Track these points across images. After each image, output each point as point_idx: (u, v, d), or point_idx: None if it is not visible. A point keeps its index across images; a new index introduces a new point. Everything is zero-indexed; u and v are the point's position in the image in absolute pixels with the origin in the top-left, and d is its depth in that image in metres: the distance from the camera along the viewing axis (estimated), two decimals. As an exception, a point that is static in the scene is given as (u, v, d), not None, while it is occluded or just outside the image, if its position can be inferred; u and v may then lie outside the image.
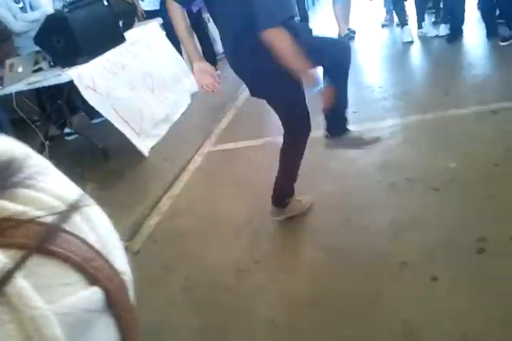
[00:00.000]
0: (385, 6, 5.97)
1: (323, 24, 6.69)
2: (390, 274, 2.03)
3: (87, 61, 3.67)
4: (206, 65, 2.20)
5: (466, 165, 2.63)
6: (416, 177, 2.65)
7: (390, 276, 2.02)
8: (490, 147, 2.76)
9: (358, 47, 5.47)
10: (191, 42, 2.20)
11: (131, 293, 0.30)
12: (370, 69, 4.68)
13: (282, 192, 2.46)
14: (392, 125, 3.37)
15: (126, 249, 2.62)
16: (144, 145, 3.82)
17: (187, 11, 5.58)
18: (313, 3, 8.43)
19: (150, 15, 5.26)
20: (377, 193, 2.62)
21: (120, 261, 0.29)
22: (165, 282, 2.31)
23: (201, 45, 5.63)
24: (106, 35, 3.90)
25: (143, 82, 4.13)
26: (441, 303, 1.82)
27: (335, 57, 2.33)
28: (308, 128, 2.35)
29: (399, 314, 1.81)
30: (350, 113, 3.73)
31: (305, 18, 5.84)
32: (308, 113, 2.31)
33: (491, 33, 4.59)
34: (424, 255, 2.08)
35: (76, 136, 4.35)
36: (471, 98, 3.45)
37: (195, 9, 5.24)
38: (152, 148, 3.88)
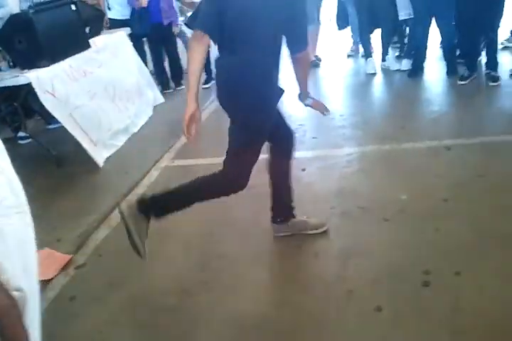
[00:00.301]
0: (352, 36, 6.13)
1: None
2: (335, 301, 2.03)
3: (49, 65, 3.59)
4: (198, 113, 2.04)
5: (416, 198, 2.70)
6: (368, 206, 2.70)
7: (336, 303, 2.02)
8: (440, 182, 2.85)
9: (322, 74, 5.58)
10: (198, 82, 2.00)
11: (29, 307, 0.29)
12: (333, 97, 4.77)
13: (161, 204, 2.22)
14: (350, 153, 3.44)
15: (71, 261, 2.54)
16: (100, 155, 3.74)
17: (157, 24, 5.58)
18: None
19: (117, 24, 5.22)
20: (329, 219, 2.64)
21: (18, 277, 0.27)
22: (107, 299, 2.23)
23: (168, 58, 5.63)
24: (71, 40, 3.84)
25: (104, 90, 4.07)
26: (383, 334, 1.83)
27: (282, 138, 2.36)
28: (244, 180, 2.11)
29: (341, 343, 1.81)
30: (309, 138, 3.81)
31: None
32: (252, 166, 2.12)
33: (451, 71, 4.78)
34: (371, 284, 2.10)
35: (30, 140, 4.22)
36: (426, 133, 3.56)
37: (166, 22, 5.26)
38: (108, 158, 3.81)
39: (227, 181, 2.15)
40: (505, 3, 4.39)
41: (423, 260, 2.19)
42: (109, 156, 3.83)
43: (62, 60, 3.73)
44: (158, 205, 2.22)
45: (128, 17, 5.21)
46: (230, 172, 2.12)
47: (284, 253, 2.43)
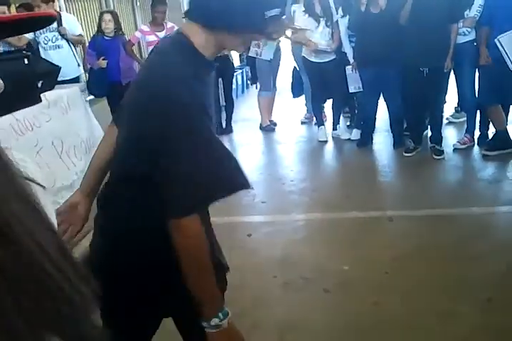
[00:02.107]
0: (306, 104, 6.35)
1: (247, 112, 6.97)
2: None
3: (-6, 117, 3.53)
4: (84, 204, 1.46)
5: (357, 270, 2.70)
6: (310, 277, 2.68)
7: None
8: (382, 253, 2.87)
9: (277, 139, 5.71)
10: (95, 170, 1.47)
11: None
12: (284, 162, 4.85)
13: None
14: (297, 220, 3.45)
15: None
16: (41, 212, 3.61)
17: (116, 83, 5.56)
18: (243, 92, 8.83)
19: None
20: (271, 290, 2.60)
21: None
22: None
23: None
24: (20, 93, 3.79)
25: (51, 145, 4.00)
26: None
27: None
28: None
29: None
30: (258, 202, 3.82)
31: (231, 105, 6.07)
32: None
33: (397, 143, 4.96)
34: (307, 361, 2.04)
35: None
36: (370, 202, 3.63)
37: (124, 82, 5.31)
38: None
39: None
40: (449, 81, 4.69)
41: (360, 337, 2.16)
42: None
43: (9, 113, 3.67)
44: None
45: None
46: None
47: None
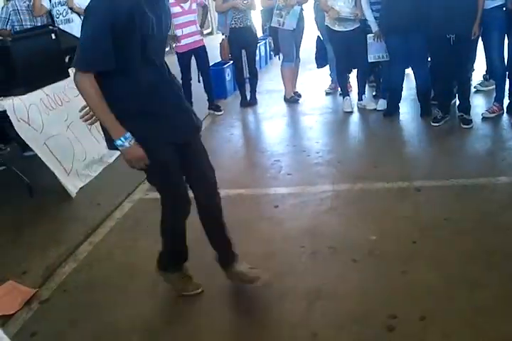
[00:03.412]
0: (330, 74, 6.28)
1: (271, 83, 6.93)
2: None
3: (24, 93, 3.59)
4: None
5: (385, 240, 2.73)
6: (338, 247, 2.71)
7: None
8: (410, 224, 2.89)
9: (301, 110, 5.69)
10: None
11: None
12: (310, 134, 4.84)
13: (161, 256, 2.37)
14: (323, 191, 3.47)
15: (35, 296, 2.48)
16: (73, 185, 3.71)
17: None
18: (266, 63, 8.74)
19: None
20: (299, 259, 2.65)
21: None
22: (69, 336, 2.19)
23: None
24: (49, 68, 3.85)
25: (80, 120, 4.06)
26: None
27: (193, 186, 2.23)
28: (182, 203, 2.19)
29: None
30: (284, 175, 3.85)
31: (255, 77, 6.04)
32: (181, 187, 2.17)
33: (425, 113, 4.90)
34: (336, 328, 2.10)
35: (4, 167, 4.17)
36: (398, 173, 3.62)
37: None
38: (81, 188, 3.78)
39: (170, 208, 2.22)
40: (477, 48, 4.58)
41: (389, 304, 2.20)
42: (83, 186, 3.81)
43: (39, 88, 3.73)
44: (162, 257, 2.37)
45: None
46: (165, 202, 2.21)
47: (250, 291, 2.42)
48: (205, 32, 6.37)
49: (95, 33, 1.81)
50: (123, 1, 1.80)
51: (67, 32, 4.63)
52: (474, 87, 5.48)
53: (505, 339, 1.95)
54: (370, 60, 5.04)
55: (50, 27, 4.18)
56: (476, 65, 5.36)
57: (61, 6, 5.06)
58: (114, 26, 1.80)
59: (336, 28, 5.09)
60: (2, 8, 5.19)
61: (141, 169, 2.03)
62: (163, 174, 2.09)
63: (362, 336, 2.04)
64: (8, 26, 5.07)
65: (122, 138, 1.89)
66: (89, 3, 1.86)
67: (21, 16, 5.11)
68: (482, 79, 5.57)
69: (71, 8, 5.03)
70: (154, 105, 1.98)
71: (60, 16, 5.05)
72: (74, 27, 4.88)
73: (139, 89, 1.95)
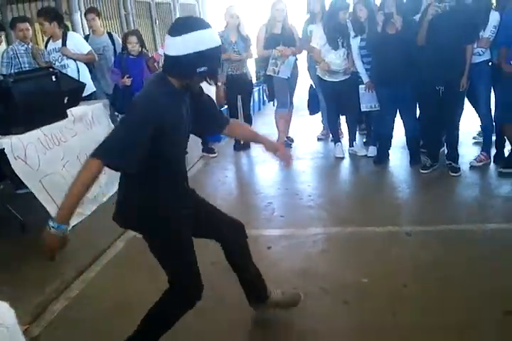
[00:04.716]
0: (322, 121, 6.46)
1: (265, 128, 7.08)
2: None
3: (23, 132, 3.66)
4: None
5: (376, 282, 2.76)
6: (330, 288, 2.74)
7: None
8: (400, 267, 2.93)
9: (294, 154, 5.79)
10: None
11: None
12: (302, 178, 4.93)
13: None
14: (315, 233, 3.52)
15: (25, 333, 2.45)
16: (66, 224, 3.72)
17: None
18: (259, 109, 8.97)
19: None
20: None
21: None
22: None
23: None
24: (48, 109, 3.95)
25: (76, 160, 4.14)
26: None
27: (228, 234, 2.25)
28: (195, 289, 2.07)
29: None
30: (277, 216, 3.91)
31: (249, 121, 6.19)
32: (193, 268, 2.07)
33: (414, 160, 5.03)
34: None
35: (-4, 204, 4.18)
36: (388, 218, 3.69)
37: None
38: (74, 226, 3.78)
39: (181, 297, 2.08)
40: (464, 100, 4.76)
41: (380, 345, 2.21)
42: (76, 225, 3.81)
43: (38, 128, 3.82)
44: None
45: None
46: (177, 287, 2.07)
47: (243, 332, 2.42)
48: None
49: (130, 135, 1.78)
50: (169, 108, 1.85)
51: (67, 74, 4.78)
52: (473, 138, 5.66)
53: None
54: (362, 110, 5.23)
55: (51, 69, 4.31)
56: (472, 118, 5.54)
57: (56, 52, 5.17)
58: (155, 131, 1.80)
59: (327, 78, 5.31)
60: (3, 53, 5.32)
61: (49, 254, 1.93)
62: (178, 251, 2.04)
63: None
64: (13, 70, 5.17)
65: (56, 224, 1.80)
66: (136, 98, 1.89)
67: (20, 59, 5.24)
68: (480, 129, 5.73)
69: (66, 56, 5.14)
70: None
71: (56, 62, 5.15)
72: (69, 72, 4.99)
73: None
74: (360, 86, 5.15)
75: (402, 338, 2.26)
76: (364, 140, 5.91)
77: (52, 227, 1.79)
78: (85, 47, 5.26)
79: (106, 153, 1.78)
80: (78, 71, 5.18)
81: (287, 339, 2.33)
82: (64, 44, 5.12)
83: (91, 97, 5.25)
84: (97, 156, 1.77)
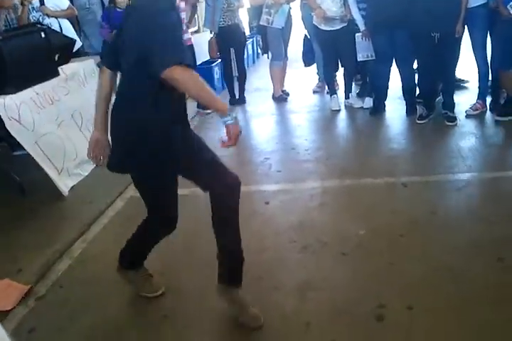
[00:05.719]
0: (317, 73, 6.36)
1: (259, 82, 7.00)
2: (293, 333, 2.09)
3: (15, 92, 3.60)
4: (103, 138, 2.10)
5: (373, 234, 2.81)
6: (328, 241, 2.79)
7: (293, 335, 2.08)
8: (397, 218, 2.97)
9: (290, 108, 5.76)
10: (103, 112, 2.08)
11: None
12: (298, 132, 4.92)
13: (123, 255, 2.39)
14: (312, 187, 3.55)
15: (31, 292, 2.52)
16: (64, 184, 3.74)
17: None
18: (253, 62, 8.81)
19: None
20: (290, 253, 2.72)
21: None
22: (67, 332, 2.23)
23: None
24: (38, 67, 3.86)
25: (71, 119, 4.10)
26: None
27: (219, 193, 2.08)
28: (169, 220, 2.25)
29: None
30: (274, 172, 3.92)
31: (243, 75, 6.09)
32: (167, 206, 2.24)
33: (410, 111, 5.00)
34: (328, 317, 2.17)
35: (-6, 166, 4.17)
36: (384, 169, 3.71)
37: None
38: (72, 187, 3.81)
39: (156, 225, 2.27)
40: (461, 46, 4.67)
41: (378, 294, 2.28)
42: (74, 185, 3.84)
43: (30, 87, 3.75)
44: (124, 256, 2.40)
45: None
46: (152, 218, 2.25)
47: (243, 287, 2.47)
48: (191, 30, 6.40)
49: (171, 33, 1.77)
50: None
51: (55, 30, 4.64)
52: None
53: (491, 326, 2.04)
54: (359, 59, 5.13)
55: (39, 25, 4.19)
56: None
57: (36, 12, 5.01)
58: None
59: (323, 27, 5.17)
60: None
61: None
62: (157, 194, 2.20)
63: (352, 324, 2.11)
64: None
65: (230, 116, 1.90)
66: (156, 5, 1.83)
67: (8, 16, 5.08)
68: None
69: (46, 15, 4.98)
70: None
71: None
72: None
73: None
74: (357, 34, 5.03)
75: (400, 288, 2.32)
76: (357, 91, 5.84)
77: (230, 120, 1.90)
78: (64, 3, 5.12)
79: (180, 56, 1.72)
80: (61, 29, 5.02)
81: (287, 291, 2.38)
82: (42, 3, 4.95)
83: (79, 54, 5.12)
84: (175, 63, 1.69)
